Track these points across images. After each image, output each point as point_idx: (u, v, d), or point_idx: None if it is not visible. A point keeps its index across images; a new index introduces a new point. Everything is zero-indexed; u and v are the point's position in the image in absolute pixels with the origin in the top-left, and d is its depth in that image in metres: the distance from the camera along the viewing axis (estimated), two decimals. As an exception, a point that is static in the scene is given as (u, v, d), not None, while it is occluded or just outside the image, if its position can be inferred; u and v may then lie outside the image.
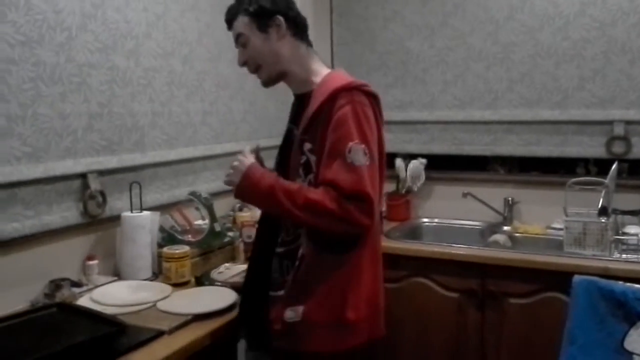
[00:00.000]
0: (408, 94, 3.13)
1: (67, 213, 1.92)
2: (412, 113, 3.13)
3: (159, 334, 1.54)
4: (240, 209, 2.66)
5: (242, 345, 1.69)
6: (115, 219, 2.07)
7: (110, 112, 2.08)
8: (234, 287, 1.88)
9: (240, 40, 1.63)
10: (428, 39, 3.07)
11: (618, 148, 2.72)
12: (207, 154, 2.57)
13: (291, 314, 1.53)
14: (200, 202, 2.23)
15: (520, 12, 2.85)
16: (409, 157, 3.12)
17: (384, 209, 2.93)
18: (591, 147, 2.78)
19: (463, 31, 2.99)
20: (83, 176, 1.97)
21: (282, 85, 1.70)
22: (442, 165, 3.15)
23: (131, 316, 1.64)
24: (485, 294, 2.39)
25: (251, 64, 1.64)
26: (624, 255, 2.32)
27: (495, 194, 2.93)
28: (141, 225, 2.04)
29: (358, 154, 1.44)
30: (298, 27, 1.63)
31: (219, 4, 2.56)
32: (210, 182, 2.58)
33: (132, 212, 2.07)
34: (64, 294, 1.77)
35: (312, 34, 1.70)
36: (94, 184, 2.00)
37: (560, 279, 2.16)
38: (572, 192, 2.47)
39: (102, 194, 2.03)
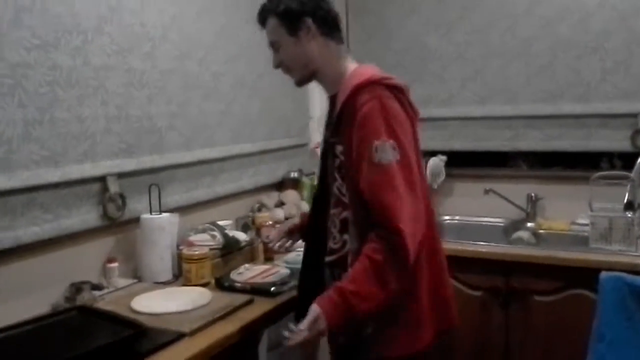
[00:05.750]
0: (427, 90, 3.09)
1: (86, 216, 1.93)
2: (431, 110, 3.09)
3: (179, 336, 1.53)
4: (259, 210, 2.65)
5: (263, 346, 1.67)
6: (135, 221, 2.07)
7: (128, 115, 2.08)
8: (253, 288, 1.87)
9: (273, 46, 1.62)
10: (446, 35, 3.03)
11: (644, 141, 2.65)
12: (225, 155, 2.55)
13: None
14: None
15: (538, 5, 2.80)
16: (428, 154, 3.08)
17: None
18: (616, 140, 2.72)
19: (481, 26, 2.94)
20: (102, 179, 1.97)
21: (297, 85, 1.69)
22: (463, 162, 3.11)
23: (152, 319, 1.63)
24: (509, 292, 2.35)
25: (284, 66, 1.63)
26: (651, 251, 2.27)
27: (518, 190, 2.88)
28: (161, 227, 2.04)
29: (385, 151, 1.40)
30: (327, 26, 1.58)
31: (234, 5, 2.57)
32: (228, 183, 2.58)
33: (151, 214, 2.07)
34: (84, 297, 1.77)
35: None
36: (113, 187, 2.00)
37: (586, 275, 2.12)
38: (596, 187, 2.42)
39: (122, 196, 2.03)
